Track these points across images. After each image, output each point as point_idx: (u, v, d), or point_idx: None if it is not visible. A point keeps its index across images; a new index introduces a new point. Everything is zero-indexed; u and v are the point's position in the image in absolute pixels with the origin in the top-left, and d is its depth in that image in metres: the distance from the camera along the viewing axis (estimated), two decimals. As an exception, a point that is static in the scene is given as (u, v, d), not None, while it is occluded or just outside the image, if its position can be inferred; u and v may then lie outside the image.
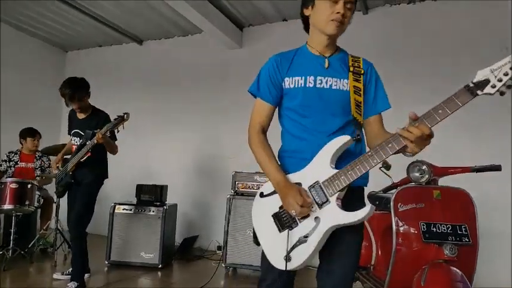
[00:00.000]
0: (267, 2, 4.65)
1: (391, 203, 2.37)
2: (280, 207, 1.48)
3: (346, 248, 1.47)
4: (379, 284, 2.70)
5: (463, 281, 2.06)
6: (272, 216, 1.50)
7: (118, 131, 3.10)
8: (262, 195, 1.57)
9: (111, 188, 5.24)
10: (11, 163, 4.75)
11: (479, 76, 1.22)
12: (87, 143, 3.13)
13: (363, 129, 1.58)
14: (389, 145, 1.30)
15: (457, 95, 1.24)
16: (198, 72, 5.55)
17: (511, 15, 3.85)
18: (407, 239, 2.33)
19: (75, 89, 3.27)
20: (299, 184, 1.46)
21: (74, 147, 3.40)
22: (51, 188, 5.05)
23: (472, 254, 2.27)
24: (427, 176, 2.37)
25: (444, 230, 2.24)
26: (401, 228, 2.34)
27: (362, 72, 1.55)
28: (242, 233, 3.83)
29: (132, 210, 4.11)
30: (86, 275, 3.43)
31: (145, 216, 4.08)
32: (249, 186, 3.98)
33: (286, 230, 1.43)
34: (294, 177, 1.48)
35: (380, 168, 2.85)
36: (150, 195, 4.23)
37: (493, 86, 1.18)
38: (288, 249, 1.41)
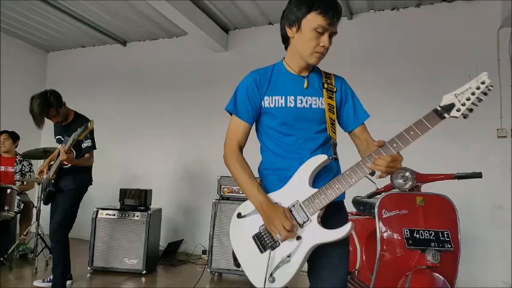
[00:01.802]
0: (252, 5, 4.65)
1: (376, 209, 2.39)
2: (260, 228, 1.46)
3: (334, 262, 1.45)
4: (363, 289, 2.73)
5: (445, 286, 2.10)
6: (253, 237, 1.47)
7: (88, 138, 3.09)
8: (240, 215, 1.54)
9: (94, 192, 5.15)
10: (-10, 167, 4.63)
11: (445, 100, 1.31)
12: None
13: (353, 142, 1.62)
14: (367, 164, 1.33)
15: (427, 118, 1.30)
16: (183, 75, 5.52)
17: (499, 25, 3.95)
18: (391, 245, 2.36)
19: (45, 111, 3.10)
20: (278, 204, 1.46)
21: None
22: (31, 193, 4.95)
23: (453, 260, 2.30)
24: (410, 182, 2.40)
25: (427, 236, 2.27)
26: (385, 235, 2.37)
27: (335, 90, 1.57)
28: (227, 237, 3.81)
29: (116, 215, 4.05)
30: (69, 282, 3.37)
31: (129, 221, 4.02)
32: (234, 191, 3.98)
33: (268, 251, 1.41)
34: (273, 196, 1.46)
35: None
36: (134, 200, 4.17)
37: (458, 110, 1.28)
38: (272, 270, 1.39)
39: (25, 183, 4.71)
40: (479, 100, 1.27)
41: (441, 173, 2.50)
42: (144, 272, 3.91)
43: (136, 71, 5.86)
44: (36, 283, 3.47)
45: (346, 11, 4.47)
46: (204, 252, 4.81)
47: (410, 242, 2.26)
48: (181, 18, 4.45)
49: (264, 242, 1.44)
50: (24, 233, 4.46)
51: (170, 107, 5.52)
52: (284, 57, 1.62)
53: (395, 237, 2.35)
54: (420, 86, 4.17)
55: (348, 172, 1.36)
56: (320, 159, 1.44)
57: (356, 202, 3.11)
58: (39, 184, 3.46)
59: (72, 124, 3.27)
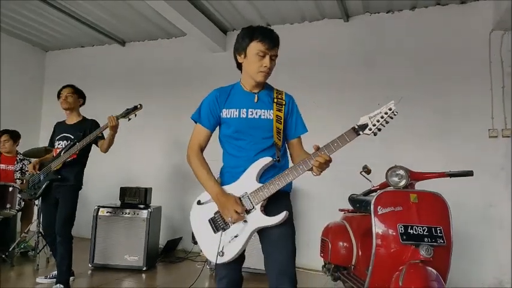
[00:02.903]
0: (250, 7, 4.72)
1: (371, 206, 2.49)
2: (215, 213, 1.81)
3: (275, 239, 1.78)
4: (359, 284, 2.82)
5: (438, 280, 2.20)
6: (208, 220, 1.82)
7: (130, 119, 3.23)
8: (199, 202, 1.89)
9: (92, 191, 5.23)
10: (-9, 165, 4.67)
11: (362, 121, 1.67)
12: (77, 143, 3.20)
13: (288, 149, 1.98)
14: (300, 167, 1.72)
15: (347, 134, 1.67)
16: (182, 75, 5.58)
17: (491, 26, 4.07)
18: (386, 241, 2.46)
19: (75, 88, 3.54)
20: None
21: (57, 151, 3.38)
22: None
23: (446, 255, 2.41)
24: (405, 180, 2.50)
25: (420, 232, 2.37)
26: (380, 230, 2.47)
27: (284, 103, 1.92)
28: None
29: (116, 212, 4.11)
30: (71, 278, 3.42)
31: (129, 218, 4.09)
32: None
33: (220, 231, 1.77)
34: (227, 188, 1.82)
35: (360, 172, 2.98)
36: (135, 198, 4.24)
37: (370, 129, 1.65)
38: (221, 247, 1.74)
39: (25, 181, 4.75)
40: (387, 122, 1.64)
41: (434, 172, 2.60)
42: (144, 268, 3.99)
43: (135, 71, 5.90)
44: (39, 280, 3.53)
45: (342, 14, 4.55)
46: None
47: (404, 237, 2.36)
48: (180, 19, 4.50)
49: (217, 224, 1.80)
50: (25, 231, 4.52)
51: (169, 106, 5.58)
52: (240, 79, 1.97)
53: (390, 232, 2.45)
54: (413, 88, 4.27)
55: (286, 172, 1.74)
56: (265, 160, 1.80)
57: (352, 200, 3.21)
58: (29, 180, 3.49)
59: (82, 123, 3.44)
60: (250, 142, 1.85)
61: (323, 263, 3.41)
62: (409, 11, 4.46)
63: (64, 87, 3.52)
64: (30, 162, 4.82)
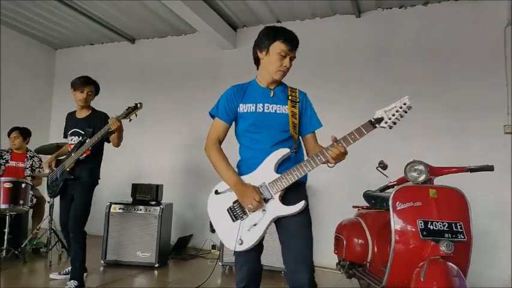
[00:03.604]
0: (261, 3, 4.70)
1: (390, 202, 2.46)
2: (234, 202, 1.87)
3: (298, 228, 1.82)
4: (376, 280, 2.79)
5: (459, 275, 2.17)
6: (227, 209, 1.88)
7: (130, 120, 3.17)
8: (217, 192, 1.96)
9: (103, 188, 5.21)
10: (2, 161, 4.68)
11: (378, 114, 1.73)
12: (87, 140, 3.18)
13: (303, 143, 2.05)
14: (318, 158, 1.77)
15: (363, 126, 1.73)
16: (191, 72, 5.57)
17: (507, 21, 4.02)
18: (405, 237, 2.42)
19: (90, 80, 3.49)
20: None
21: (71, 146, 3.39)
22: (42, 188, 5.01)
23: (466, 250, 2.37)
24: (424, 175, 2.46)
25: (440, 227, 2.34)
26: (399, 226, 2.43)
27: (298, 100, 2.01)
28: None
29: (128, 209, 4.11)
30: (84, 274, 3.42)
31: (141, 215, 4.09)
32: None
33: (239, 220, 1.83)
34: (245, 178, 1.88)
35: (377, 168, 2.95)
36: (146, 195, 4.24)
37: (386, 122, 1.71)
38: (241, 235, 1.80)
39: (36, 178, 4.76)
40: (401, 116, 1.69)
41: (454, 166, 2.56)
42: (156, 265, 3.98)
43: (144, 68, 5.90)
44: (52, 276, 3.53)
45: (355, 9, 4.52)
46: (213, 247, 4.87)
47: (424, 233, 2.32)
48: (192, 15, 4.49)
49: (236, 213, 1.86)
50: (37, 228, 4.53)
51: (179, 103, 5.57)
52: (256, 76, 2.06)
53: (409, 228, 2.41)
54: (426, 83, 4.23)
55: (304, 162, 1.80)
56: (283, 151, 1.86)
57: (367, 196, 3.18)
58: (48, 176, 3.49)
59: (91, 117, 3.39)
60: (266, 135, 1.92)
61: (337, 260, 3.38)
62: (421, 6, 4.42)
63: (86, 83, 3.43)
64: (40, 160, 4.86)
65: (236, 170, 1.99)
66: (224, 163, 1.91)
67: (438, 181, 2.65)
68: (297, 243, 1.81)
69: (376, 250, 3.03)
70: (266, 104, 1.95)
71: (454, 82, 4.18)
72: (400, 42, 4.46)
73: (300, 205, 1.78)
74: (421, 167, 2.48)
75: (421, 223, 2.36)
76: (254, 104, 1.95)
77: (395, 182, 2.84)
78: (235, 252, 1.84)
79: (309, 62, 4.70)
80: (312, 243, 1.84)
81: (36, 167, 4.81)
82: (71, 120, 3.50)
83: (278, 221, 1.84)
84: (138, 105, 3.14)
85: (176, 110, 5.59)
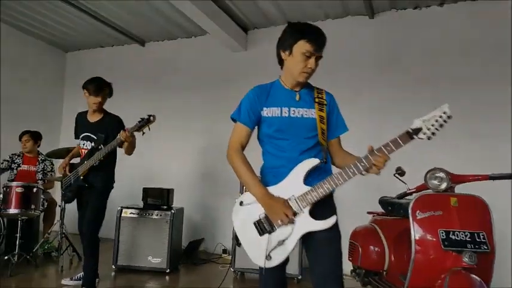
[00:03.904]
0: (271, 4, 4.65)
1: (410, 210, 2.39)
2: (261, 215, 1.74)
3: (328, 243, 1.73)
4: (393, 290, 2.72)
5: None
6: (253, 223, 1.75)
7: (143, 133, 3.07)
8: (242, 204, 1.82)
9: (114, 191, 5.20)
10: (14, 165, 4.69)
11: (415, 124, 1.61)
12: (101, 147, 3.14)
13: (327, 148, 1.90)
14: (351, 170, 1.66)
15: (400, 137, 1.62)
16: (202, 75, 5.54)
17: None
18: (426, 246, 2.35)
19: (105, 83, 3.38)
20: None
21: (84, 151, 3.35)
22: (53, 191, 5.01)
23: (489, 261, 2.30)
24: (445, 183, 2.39)
25: (463, 237, 2.26)
26: (419, 236, 2.36)
27: (325, 103, 1.87)
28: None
29: (139, 214, 4.08)
30: (96, 280, 3.39)
31: (152, 220, 4.05)
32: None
33: (267, 235, 1.71)
34: (272, 189, 1.75)
35: (394, 174, 2.87)
36: (157, 199, 4.20)
37: (424, 133, 1.60)
38: (269, 250, 1.69)
39: (48, 182, 4.77)
40: (441, 126, 1.58)
41: (477, 174, 2.48)
42: (167, 270, 3.94)
43: (155, 70, 5.89)
44: (64, 281, 3.50)
45: (368, 10, 4.45)
46: (224, 251, 4.83)
47: (446, 243, 2.25)
48: (202, 17, 4.46)
49: (263, 227, 1.73)
50: (48, 232, 4.52)
51: (189, 106, 5.54)
52: (280, 76, 1.92)
53: (430, 238, 2.34)
54: (444, 86, 4.14)
55: (336, 175, 1.69)
56: (313, 162, 1.74)
57: (384, 202, 3.11)
58: (62, 181, 3.47)
59: (103, 122, 3.33)
60: (292, 142, 1.80)
61: (352, 268, 3.31)
62: (437, 7, 4.32)
63: (101, 88, 3.33)
64: (51, 164, 4.85)
65: (260, 177, 1.87)
66: (250, 173, 1.76)
67: (457, 188, 2.58)
68: (325, 260, 1.72)
69: (393, 258, 2.95)
70: (292, 108, 1.81)
71: (472, 84, 4.07)
72: (415, 43, 4.37)
73: (331, 221, 1.69)
74: (442, 175, 2.40)
75: (442, 233, 2.28)
76: (279, 108, 1.82)
77: (414, 190, 2.76)
78: (264, 269, 1.72)
79: (321, 64, 4.57)
80: (342, 258, 1.75)
81: (48, 171, 4.81)
82: (82, 123, 3.43)
83: (306, 235, 1.73)
84: (151, 118, 3.00)
85: (186, 113, 5.56)
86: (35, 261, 3.97)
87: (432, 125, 1.58)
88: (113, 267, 3.98)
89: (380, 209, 3.27)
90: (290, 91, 1.87)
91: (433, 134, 1.59)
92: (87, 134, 3.36)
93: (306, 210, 1.69)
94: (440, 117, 1.58)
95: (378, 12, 4.58)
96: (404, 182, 2.84)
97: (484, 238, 2.26)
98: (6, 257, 3.81)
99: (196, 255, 4.82)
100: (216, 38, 5.10)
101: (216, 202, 5.16)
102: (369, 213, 3.46)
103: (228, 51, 5.32)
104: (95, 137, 3.27)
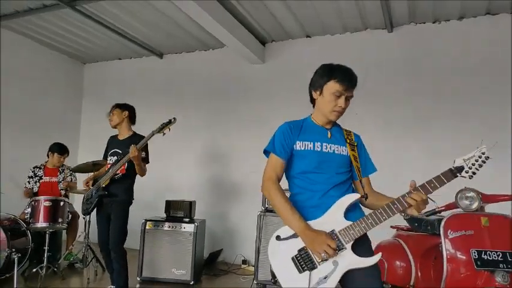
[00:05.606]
0: (290, 18, 4.70)
1: (441, 230, 2.44)
2: (300, 251, 1.69)
3: (369, 281, 1.68)
4: (421, 305, 2.75)
5: (517, 308, 2.13)
6: (292, 258, 1.70)
7: (164, 134, 3.31)
8: (279, 238, 1.76)
9: (134, 202, 5.27)
10: (36, 178, 4.76)
11: (457, 163, 1.67)
12: (120, 161, 3.29)
13: (354, 187, 1.92)
14: (395, 206, 1.67)
15: (444, 175, 1.66)
16: (220, 87, 5.60)
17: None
18: (457, 265, 2.39)
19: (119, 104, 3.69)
20: None
21: (109, 166, 3.46)
22: (74, 201, 5.09)
23: (521, 281, 2.33)
24: (477, 203, 2.43)
25: (495, 257, 2.30)
26: (451, 255, 2.40)
27: (355, 144, 1.94)
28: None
29: (163, 226, 4.14)
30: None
31: (176, 232, 4.11)
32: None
33: (308, 272, 1.65)
34: (312, 224, 1.72)
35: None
36: (180, 211, 4.27)
37: (466, 172, 1.65)
38: None
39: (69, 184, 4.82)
40: (480, 166, 1.64)
41: (507, 194, 2.52)
42: (191, 282, 3.99)
43: (173, 83, 5.96)
44: None
45: (387, 24, 4.49)
46: (244, 262, 4.87)
47: (478, 263, 2.30)
48: (221, 30, 4.50)
49: (302, 263, 1.68)
50: (72, 243, 4.59)
51: (207, 118, 5.61)
52: (311, 114, 1.98)
53: (462, 257, 2.38)
54: (465, 101, 4.16)
55: (380, 211, 1.67)
56: (354, 196, 1.77)
57: (411, 218, 3.13)
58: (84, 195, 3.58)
59: (133, 139, 3.46)
60: (324, 176, 1.82)
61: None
62: (456, 21, 4.36)
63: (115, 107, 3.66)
64: (71, 172, 4.91)
65: None
66: (288, 206, 1.74)
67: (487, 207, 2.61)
68: None
69: (419, 274, 2.98)
70: (324, 144, 1.85)
71: (494, 99, 4.08)
72: (434, 57, 4.40)
73: (376, 258, 1.66)
74: (473, 195, 2.44)
75: (474, 253, 2.33)
76: (312, 142, 1.85)
77: (443, 208, 2.80)
78: None
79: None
80: None
81: (68, 175, 4.85)
82: (112, 142, 3.61)
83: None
84: (172, 120, 3.30)
85: (204, 125, 5.62)
86: (61, 274, 4.04)
87: (473, 164, 1.64)
88: (138, 279, 4.04)
89: (403, 223, 3.31)
90: (321, 128, 1.91)
91: (473, 173, 1.64)
92: (116, 149, 3.50)
93: (349, 246, 1.66)
94: (480, 157, 1.64)
95: (397, 26, 4.62)
96: (432, 200, 2.86)
97: (516, 258, 2.29)
98: (34, 270, 3.88)
99: (216, 266, 4.87)
100: (233, 50, 5.17)
101: (234, 213, 5.21)
102: (392, 227, 3.50)
103: (246, 64, 5.38)
104: (121, 152, 3.40)
